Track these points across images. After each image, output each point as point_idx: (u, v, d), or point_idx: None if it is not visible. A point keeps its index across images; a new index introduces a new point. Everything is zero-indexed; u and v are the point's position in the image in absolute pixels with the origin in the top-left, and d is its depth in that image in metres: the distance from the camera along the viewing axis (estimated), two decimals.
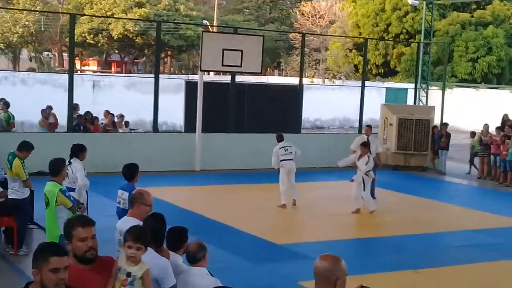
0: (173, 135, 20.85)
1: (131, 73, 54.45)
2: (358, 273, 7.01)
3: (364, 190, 13.80)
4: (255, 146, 19.13)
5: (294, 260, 10.26)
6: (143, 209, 6.30)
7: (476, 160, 20.54)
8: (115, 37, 49.02)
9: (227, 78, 27.54)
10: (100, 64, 66.65)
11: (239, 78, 22.81)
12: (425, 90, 25.16)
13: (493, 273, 10.20)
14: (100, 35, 49.61)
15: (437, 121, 22.02)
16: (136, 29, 48.49)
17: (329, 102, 34.83)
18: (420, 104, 24.57)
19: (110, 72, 59.33)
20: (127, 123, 20.43)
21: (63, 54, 59.32)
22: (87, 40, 49.26)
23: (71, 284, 4.15)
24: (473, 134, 20.86)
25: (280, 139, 14.72)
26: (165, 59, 61.35)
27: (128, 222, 6.25)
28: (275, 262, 10.05)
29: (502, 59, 42.34)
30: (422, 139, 20.65)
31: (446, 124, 21.39)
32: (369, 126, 16.19)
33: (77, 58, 55.96)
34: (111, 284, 4.40)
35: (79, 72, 47.66)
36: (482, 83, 40.82)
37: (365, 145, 13.98)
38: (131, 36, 49.33)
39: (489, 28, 42.73)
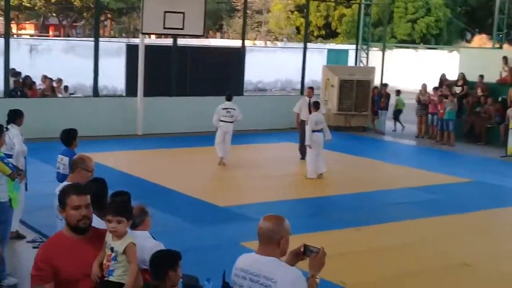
0: (114, 99, 20.59)
1: (69, 36, 53.19)
2: (301, 232, 7.14)
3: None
4: (197, 109, 19.09)
5: (236, 221, 10.37)
6: (84, 175, 6.26)
7: (410, 119, 21.11)
8: (53, 0, 47.69)
9: (168, 41, 27.22)
10: (37, 28, 64.82)
11: (181, 41, 22.57)
12: (366, 51, 25.43)
13: (430, 228, 10.55)
14: None
15: (377, 82, 22.36)
16: None
17: (271, 64, 34.85)
18: (361, 65, 24.85)
19: (48, 36, 57.82)
20: (66, 88, 20.07)
21: None
22: (23, 3, 47.78)
23: (62, 254, 4.12)
24: (398, 92, 21.48)
25: (227, 99, 15.03)
26: (105, 22, 60.07)
27: None
28: (217, 224, 10.15)
29: (440, 19, 43.07)
30: (363, 100, 20.96)
31: (386, 85, 21.77)
32: (311, 88, 16.33)
33: (13, 22, 54.27)
34: (99, 259, 4.27)
35: (15, 36, 46.26)
36: (421, 43, 41.50)
37: (317, 106, 14.01)
38: None
39: None
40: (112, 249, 4.27)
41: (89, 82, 24.16)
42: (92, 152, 12.07)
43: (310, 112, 14.47)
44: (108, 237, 4.31)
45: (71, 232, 4.23)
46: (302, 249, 4.11)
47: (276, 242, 4.00)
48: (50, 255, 4.15)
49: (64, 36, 53.46)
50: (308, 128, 13.74)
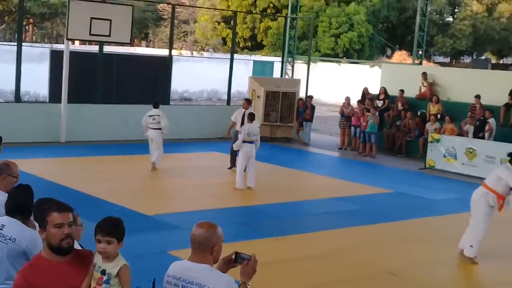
0: (37, 105, 20.15)
1: None
2: (226, 242, 7.20)
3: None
4: (122, 117, 18.94)
5: (164, 230, 10.36)
6: (9, 181, 6.13)
7: (334, 131, 21.52)
8: None
9: (93, 48, 26.85)
10: None
11: (107, 48, 22.34)
12: (291, 63, 25.84)
13: (353, 237, 10.81)
14: None
15: (302, 94, 22.73)
16: None
17: (197, 74, 34.90)
18: (286, 77, 25.22)
19: None
20: None
21: None
22: None
23: (43, 279, 3.79)
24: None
25: (154, 106, 15.28)
26: (27, 27, 58.63)
27: None
28: (144, 233, 10.08)
29: (362, 35, 44.19)
30: (288, 111, 21.27)
31: (311, 97, 22.18)
32: (247, 100, 16.25)
33: None
34: (86, 283, 3.96)
35: None
36: (344, 58, 42.44)
37: (251, 117, 14.07)
38: None
39: (351, 5, 44.41)
40: (103, 272, 3.97)
41: (10, 87, 23.58)
42: (14, 158, 11.76)
43: (242, 123, 14.70)
44: (98, 258, 4.01)
45: (52, 254, 3.91)
46: (233, 256, 4.16)
47: (209, 249, 4.04)
48: (29, 280, 3.83)
49: None
50: (240, 137, 13.84)
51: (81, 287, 3.90)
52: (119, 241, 4.04)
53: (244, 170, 13.79)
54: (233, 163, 15.34)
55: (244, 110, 15.66)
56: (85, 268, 3.95)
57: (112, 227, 4.05)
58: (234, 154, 15.26)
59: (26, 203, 5.36)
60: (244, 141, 13.71)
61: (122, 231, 4.11)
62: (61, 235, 3.87)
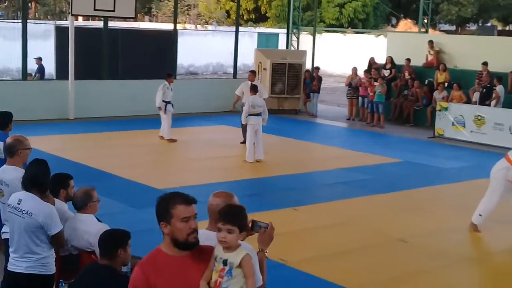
0: (45, 82, 20.13)
1: None
2: None
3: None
4: (129, 92, 18.96)
5: None
6: (25, 154, 6.21)
7: (341, 102, 21.49)
8: None
9: (98, 24, 26.73)
10: None
11: (111, 24, 22.23)
12: (296, 35, 25.71)
13: (364, 206, 10.86)
14: None
15: (308, 66, 22.65)
16: None
17: (203, 47, 34.80)
18: (292, 48, 25.11)
19: None
20: None
21: None
22: None
23: (163, 273, 3.60)
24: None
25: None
26: (30, 4, 58.40)
27: (10, 170, 6.12)
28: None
29: (367, 4, 43.88)
30: (295, 83, 21.22)
31: (317, 68, 22.11)
32: (252, 72, 16.29)
33: None
34: (206, 275, 3.70)
35: None
36: (349, 28, 42.18)
37: (254, 89, 14.04)
38: None
39: None
40: (225, 262, 3.69)
41: (16, 65, 23.58)
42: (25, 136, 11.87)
43: None
44: (219, 249, 3.75)
45: (174, 248, 3.67)
46: (250, 225, 4.20)
47: None
48: (148, 274, 3.62)
49: None
50: (244, 110, 13.84)
51: (201, 280, 3.67)
52: (241, 230, 3.76)
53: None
54: (245, 137, 15.33)
55: (250, 82, 15.63)
56: (206, 261, 3.72)
57: (234, 214, 3.77)
58: (245, 128, 15.25)
59: (40, 177, 5.42)
60: (250, 114, 13.67)
61: (243, 219, 3.82)
62: (188, 230, 3.62)
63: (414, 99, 19.99)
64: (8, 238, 5.72)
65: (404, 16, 47.57)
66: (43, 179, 5.46)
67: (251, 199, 10.65)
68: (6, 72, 26.58)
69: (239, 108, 15.44)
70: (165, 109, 15.53)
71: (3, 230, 6.18)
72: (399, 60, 21.10)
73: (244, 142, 14.92)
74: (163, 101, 15.48)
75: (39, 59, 20.61)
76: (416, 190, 12.20)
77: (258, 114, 13.74)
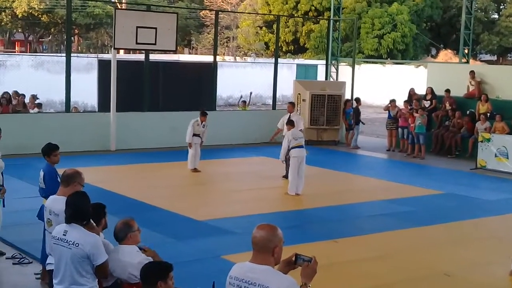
0: (87, 114, 20.49)
1: (36, 52, 52.77)
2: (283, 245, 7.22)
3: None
4: (170, 124, 19.12)
5: (216, 235, 10.41)
6: (77, 189, 6.25)
7: (380, 133, 21.30)
8: (20, 15, 47.31)
9: (138, 57, 27.19)
10: (3, 43, 64.20)
11: (152, 56, 22.58)
12: (335, 66, 25.74)
13: (406, 239, 10.71)
14: (3, 13, 47.75)
15: (347, 96, 22.58)
16: (41, 7, 46.95)
17: (241, 79, 35.06)
18: (331, 80, 25.12)
19: (14, 52, 57.27)
20: (39, 105, 19.91)
21: None
22: None
23: None
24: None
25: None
26: (73, 38, 59.77)
27: (61, 201, 6.15)
28: (197, 238, 10.17)
29: (406, 35, 43.79)
30: (334, 114, 21.17)
31: (358, 100, 22.01)
32: (291, 103, 16.36)
33: None
34: None
35: None
36: (388, 59, 42.08)
37: (291, 124, 13.92)
38: (36, 14, 47.74)
39: (393, 5, 44.05)
40: None
41: (59, 97, 24.05)
42: (66, 167, 12.00)
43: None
44: None
45: None
46: (293, 258, 4.19)
47: (270, 250, 4.07)
48: None
49: (30, 52, 53.04)
50: (284, 145, 13.65)
51: None
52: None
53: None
54: (288, 171, 15.21)
55: (289, 113, 15.65)
56: None
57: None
58: (288, 162, 15.20)
59: (83, 209, 5.47)
60: (293, 147, 13.44)
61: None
62: None
63: (455, 130, 19.76)
64: (52, 269, 5.77)
65: (444, 46, 47.31)
66: (85, 211, 5.51)
67: (291, 231, 10.56)
68: (49, 104, 27.11)
69: (279, 140, 15.42)
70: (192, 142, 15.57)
71: (48, 261, 6.24)
72: (440, 91, 20.93)
73: (286, 176, 14.52)
74: (194, 134, 15.49)
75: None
76: (459, 222, 11.99)
77: (301, 146, 13.54)
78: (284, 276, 4.07)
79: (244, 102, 24.11)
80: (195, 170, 15.57)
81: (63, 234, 5.39)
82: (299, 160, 13.46)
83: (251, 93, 29.28)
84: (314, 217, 11.97)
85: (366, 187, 15.13)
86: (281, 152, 13.85)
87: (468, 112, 19.97)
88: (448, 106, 20.50)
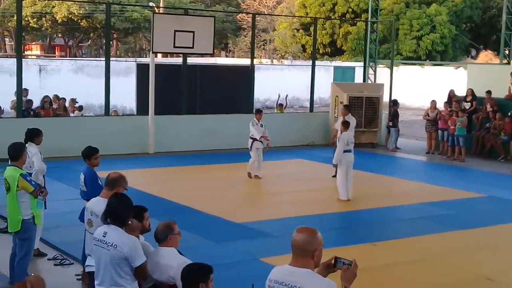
0: (126, 118, 20.70)
1: (76, 56, 53.60)
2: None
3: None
4: (207, 127, 19.23)
5: (254, 237, 10.41)
6: (123, 191, 6.33)
7: (420, 135, 21.08)
8: (59, 21, 48.08)
9: (176, 60, 27.36)
10: (43, 48, 65.32)
11: (189, 60, 22.72)
12: (373, 68, 25.56)
13: (447, 242, 10.56)
14: (43, 18, 48.58)
15: (386, 99, 22.40)
16: (81, 12, 47.65)
17: (279, 82, 35.05)
18: (369, 82, 24.95)
19: (54, 56, 58.24)
20: (80, 108, 20.22)
21: (5, 38, 57.88)
22: (30, 24, 48.18)
23: None
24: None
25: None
26: (111, 42, 60.52)
27: (102, 203, 6.20)
28: (236, 240, 10.18)
29: (445, 36, 43.26)
30: (372, 116, 21.01)
31: (396, 103, 21.73)
32: (345, 107, 15.79)
33: None
34: None
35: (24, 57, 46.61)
36: (427, 60, 41.64)
37: (346, 125, 13.48)
38: (75, 19, 48.46)
39: (432, 6, 43.56)
40: None
41: (98, 101, 24.35)
42: (106, 170, 12.11)
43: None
44: None
45: None
46: (333, 261, 4.16)
47: (310, 253, 4.07)
48: None
49: (70, 56, 53.88)
50: (339, 147, 13.25)
51: None
52: None
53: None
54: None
55: (343, 116, 15.46)
56: None
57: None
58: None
59: (118, 209, 5.52)
60: (345, 151, 13.17)
61: None
62: None
63: (496, 132, 19.44)
64: (92, 271, 5.83)
65: (484, 47, 46.61)
66: (122, 213, 5.55)
67: (330, 234, 10.50)
68: (89, 108, 27.48)
69: (317, 143, 15.32)
70: (251, 146, 15.25)
71: (87, 263, 6.31)
72: (480, 92, 20.61)
73: (335, 175, 14.33)
74: (250, 137, 15.27)
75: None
76: (502, 226, 11.78)
77: (350, 150, 13.25)
78: (324, 279, 4.05)
79: (281, 105, 24.06)
80: (255, 176, 15.28)
81: (103, 236, 5.46)
82: (348, 164, 13.24)
83: (286, 95, 29.23)
84: (353, 220, 11.90)
85: (405, 190, 14.98)
86: (336, 155, 13.40)
87: (509, 113, 19.63)
88: (489, 108, 20.17)
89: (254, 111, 15.78)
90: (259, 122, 15.30)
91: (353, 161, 13.39)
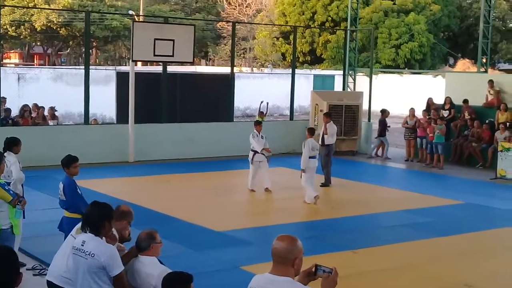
0: (106, 126, 20.60)
1: (55, 65, 53.24)
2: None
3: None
4: (188, 135, 19.20)
5: (235, 246, 10.40)
6: (125, 227, 6.13)
7: (399, 143, 21.20)
8: (38, 29, 47.78)
9: (156, 69, 27.31)
10: (22, 56, 64.90)
11: (169, 68, 22.70)
12: (353, 76, 25.69)
13: (426, 250, 10.63)
14: (22, 26, 48.26)
15: (365, 107, 22.52)
16: (60, 20, 47.40)
17: (259, 90, 35.07)
18: (348, 90, 25.07)
19: (33, 65, 57.84)
20: (54, 117, 20.06)
21: None
22: (9, 32, 47.81)
23: None
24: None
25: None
26: (91, 51, 60.26)
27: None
28: (216, 249, 10.16)
29: (423, 45, 43.64)
30: (352, 124, 21.12)
31: (384, 111, 21.74)
32: (325, 114, 16.26)
33: None
34: None
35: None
36: (406, 68, 41.95)
37: (311, 132, 14.07)
38: (54, 28, 48.19)
39: (410, 15, 43.95)
40: None
41: (77, 110, 24.23)
42: (85, 179, 12.10)
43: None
44: None
45: None
46: (313, 269, 4.17)
47: (290, 262, 4.06)
48: None
49: (49, 65, 53.52)
50: (304, 152, 13.71)
51: None
52: None
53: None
54: (327, 180, 15.60)
55: (324, 124, 15.70)
56: None
57: None
58: (327, 171, 15.53)
59: (91, 218, 5.49)
60: (310, 157, 13.66)
61: None
62: None
63: (474, 140, 19.63)
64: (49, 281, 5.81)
65: (462, 56, 47.09)
66: (96, 221, 5.50)
67: (310, 241, 10.54)
68: (68, 116, 27.32)
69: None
70: (252, 159, 14.92)
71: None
72: (458, 100, 20.80)
73: (324, 184, 15.33)
74: (251, 150, 14.99)
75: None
76: (479, 232, 11.88)
77: (315, 157, 13.82)
78: (304, 287, 4.05)
79: (262, 113, 24.08)
80: (266, 189, 14.78)
81: (81, 245, 5.44)
82: (313, 171, 13.76)
83: (267, 103, 29.27)
84: (333, 228, 11.92)
85: (384, 198, 15.05)
86: (302, 161, 13.74)
87: (487, 121, 19.84)
88: (467, 116, 20.37)
89: (254, 123, 15.38)
90: (259, 133, 14.93)
91: (317, 166, 13.90)
